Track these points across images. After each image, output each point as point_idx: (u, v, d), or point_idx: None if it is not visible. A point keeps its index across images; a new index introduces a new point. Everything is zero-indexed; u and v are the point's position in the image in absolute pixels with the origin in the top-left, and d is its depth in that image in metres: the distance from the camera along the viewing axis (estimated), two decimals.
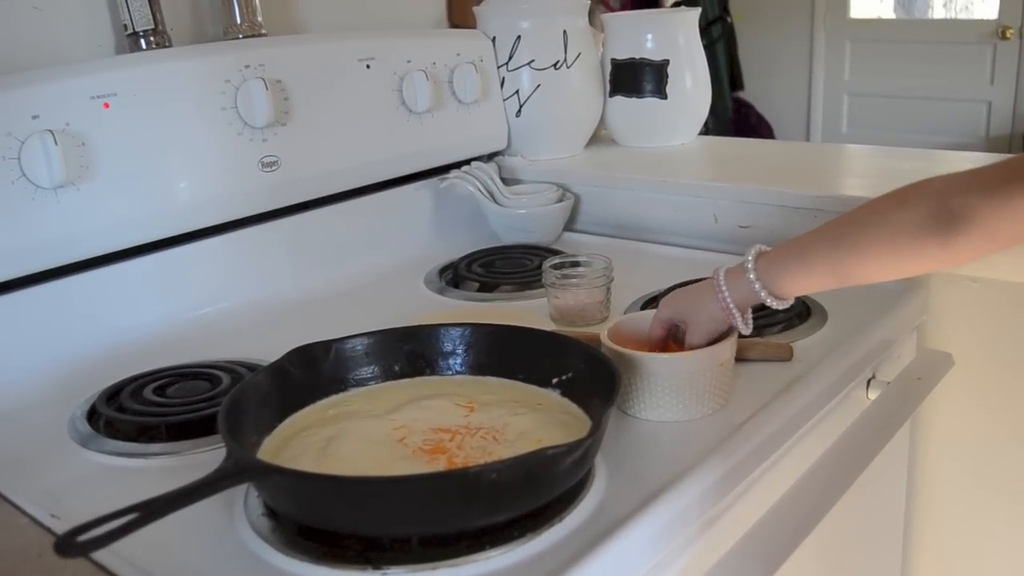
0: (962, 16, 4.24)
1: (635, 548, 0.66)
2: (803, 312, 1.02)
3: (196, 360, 0.97)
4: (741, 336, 0.87)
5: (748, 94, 4.33)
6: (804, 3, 4.42)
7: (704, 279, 0.87)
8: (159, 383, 0.91)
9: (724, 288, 0.84)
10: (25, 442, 0.85)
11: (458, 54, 1.38)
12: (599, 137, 1.61)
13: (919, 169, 1.31)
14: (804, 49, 4.49)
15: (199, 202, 1.09)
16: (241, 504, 0.70)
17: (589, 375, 0.77)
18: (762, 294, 0.82)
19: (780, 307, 0.84)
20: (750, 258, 0.84)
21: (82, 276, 1.00)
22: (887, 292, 1.07)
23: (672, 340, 0.89)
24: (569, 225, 1.42)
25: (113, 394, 0.90)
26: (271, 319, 1.11)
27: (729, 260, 1.20)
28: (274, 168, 1.15)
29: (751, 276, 0.82)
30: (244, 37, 1.20)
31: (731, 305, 0.84)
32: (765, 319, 0.98)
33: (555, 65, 1.46)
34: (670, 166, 1.42)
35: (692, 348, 0.85)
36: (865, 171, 1.43)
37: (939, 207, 0.73)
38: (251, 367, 0.93)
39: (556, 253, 1.23)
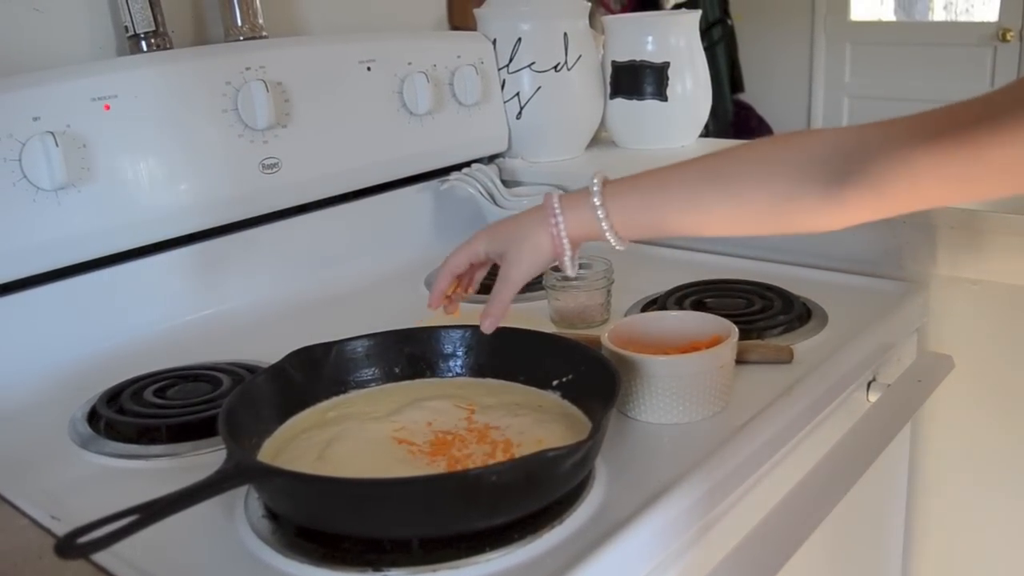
0: (962, 18, 4.24)
1: (635, 550, 0.66)
2: (803, 314, 1.02)
3: (197, 362, 0.97)
4: (565, 279, 0.76)
5: (748, 96, 4.33)
6: (804, 5, 4.42)
7: (531, 208, 0.76)
8: (160, 385, 0.91)
9: (559, 214, 0.73)
10: (25, 444, 0.85)
11: (459, 56, 1.39)
12: (599, 139, 1.61)
13: None
14: (804, 51, 4.49)
15: (200, 204, 1.09)
16: (241, 506, 0.70)
17: (589, 377, 0.77)
18: (604, 226, 0.72)
19: (618, 247, 0.74)
20: (595, 181, 0.73)
21: (83, 278, 1.00)
22: (887, 295, 1.08)
23: (468, 282, 0.79)
24: None
25: (114, 396, 0.90)
26: (271, 321, 1.11)
27: (730, 262, 1.22)
28: (275, 170, 1.15)
29: (596, 201, 0.72)
30: (245, 39, 1.20)
31: (563, 235, 0.73)
32: (765, 321, 0.98)
33: (556, 67, 1.46)
34: None
35: (506, 288, 0.75)
36: None
37: (832, 151, 0.65)
38: (252, 369, 0.93)
39: None
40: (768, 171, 0.66)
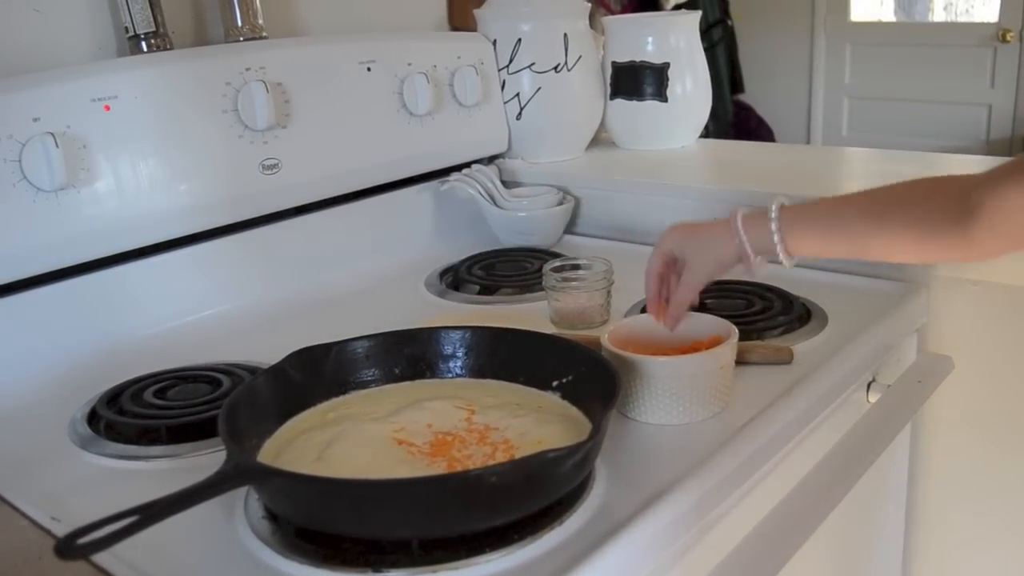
0: (962, 19, 4.24)
1: (635, 551, 0.66)
2: (803, 315, 1.02)
3: (197, 363, 0.97)
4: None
5: (749, 97, 4.33)
6: (804, 6, 4.42)
7: (712, 221, 0.86)
8: (160, 386, 0.91)
9: (742, 232, 0.83)
10: (25, 444, 0.85)
11: (459, 57, 1.39)
12: (600, 140, 1.61)
13: (919, 172, 1.30)
14: (804, 52, 4.49)
15: (200, 204, 1.09)
16: (241, 507, 0.70)
17: (589, 378, 0.77)
18: (779, 247, 0.82)
19: (786, 263, 0.83)
20: (774, 207, 0.83)
21: (83, 279, 1.00)
22: (887, 295, 1.08)
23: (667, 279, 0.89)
24: (570, 228, 1.42)
25: (114, 396, 0.90)
26: (271, 322, 1.10)
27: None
28: (275, 171, 1.15)
29: (773, 227, 0.82)
30: (245, 40, 1.20)
31: (749, 249, 0.83)
32: (765, 322, 0.98)
33: (556, 68, 1.46)
34: (670, 169, 1.43)
35: (688, 289, 0.84)
36: (865, 174, 1.43)
37: (960, 197, 0.73)
38: (252, 370, 0.93)
39: (556, 256, 1.23)
40: (916, 215, 0.76)
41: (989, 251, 0.74)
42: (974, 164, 1.36)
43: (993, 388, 1.13)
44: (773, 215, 0.82)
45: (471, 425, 0.75)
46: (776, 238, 0.82)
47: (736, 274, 1.12)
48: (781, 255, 0.83)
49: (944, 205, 0.74)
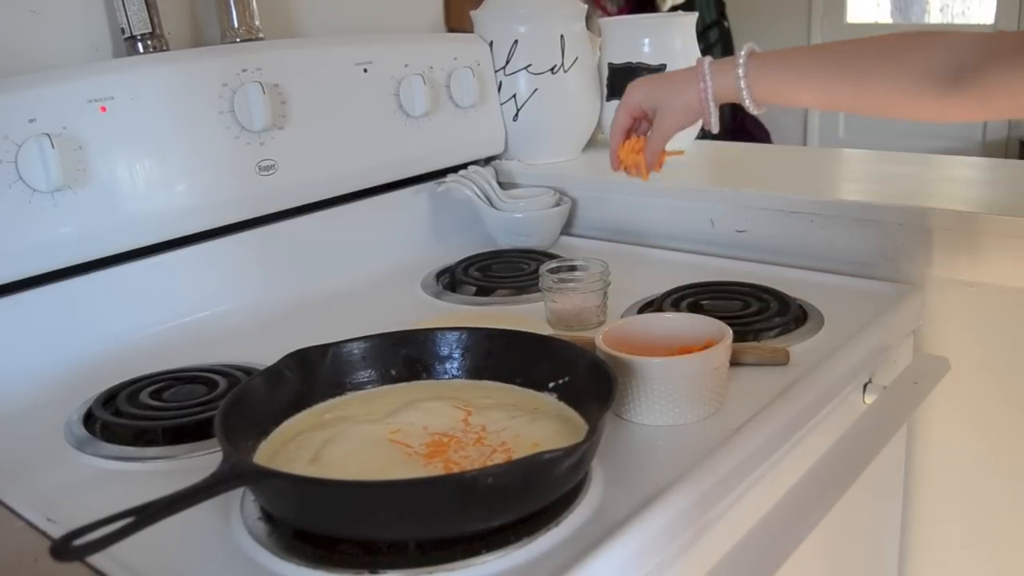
0: (958, 20, 4.25)
1: (631, 552, 0.66)
2: (800, 316, 1.02)
3: (193, 364, 0.97)
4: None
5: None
6: (801, 7, 4.43)
7: (682, 69, 0.87)
8: (156, 387, 0.91)
9: (708, 76, 0.83)
10: (21, 446, 0.85)
11: (455, 58, 1.39)
12: (596, 141, 1.61)
13: (915, 174, 1.32)
14: None
15: (196, 206, 1.09)
16: (237, 508, 0.70)
17: (586, 379, 0.77)
18: (744, 92, 0.81)
19: (754, 111, 0.83)
20: (743, 53, 0.83)
21: (80, 279, 1.00)
22: (883, 297, 1.08)
23: (635, 132, 0.89)
24: (566, 229, 1.42)
25: (109, 398, 0.90)
26: (268, 323, 1.10)
27: (726, 264, 1.22)
28: (271, 172, 1.15)
29: (740, 72, 0.81)
30: (241, 41, 1.20)
31: (710, 95, 0.82)
32: (761, 323, 0.99)
33: (552, 69, 1.46)
34: (667, 170, 1.42)
35: (658, 136, 0.84)
36: (862, 175, 1.44)
37: (951, 58, 0.73)
38: (248, 371, 0.93)
39: (553, 257, 1.23)
40: (894, 70, 0.76)
41: (967, 116, 0.75)
42: (973, 165, 1.36)
43: (989, 389, 1.13)
44: (740, 60, 0.81)
45: (467, 426, 0.75)
46: (742, 83, 0.81)
47: (732, 275, 1.13)
48: (747, 101, 0.81)
49: (929, 65, 0.74)
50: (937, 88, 0.73)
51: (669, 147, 0.97)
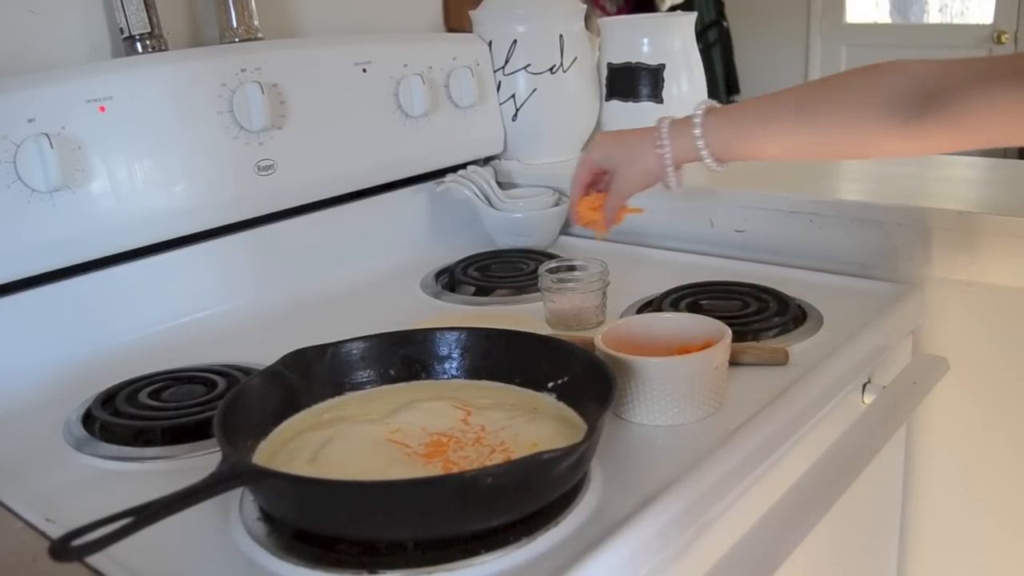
0: (957, 21, 4.25)
1: (630, 552, 0.66)
2: (799, 316, 1.02)
3: (192, 364, 0.97)
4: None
5: (744, 98, 4.34)
6: (800, 7, 4.43)
7: (643, 128, 0.84)
8: (155, 387, 0.91)
9: (666, 140, 0.80)
10: (20, 446, 0.84)
11: (454, 58, 1.39)
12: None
13: (914, 174, 1.32)
14: (800, 53, 4.50)
15: (195, 206, 1.09)
16: (236, 508, 0.70)
17: (585, 379, 0.77)
18: (703, 152, 0.79)
19: (717, 169, 0.80)
20: (699, 111, 0.79)
21: (78, 279, 1.00)
22: (883, 297, 1.08)
23: (595, 189, 0.88)
24: (565, 229, 1.42)
25: (108, 398, 0.90)
26: (267, 323, 1.10)
27: (726, 264, 1.22)
28: (270, 172, 1.15)
29: (696, 131, 0.78)
30: (240, 41, 1.20)
31: (668, 160, 0.80)
32: (760, 323, 0.99)
33: (551, 69, 1.46)
34: None
35: (616, 197, 0.83)
36: (861, 176, 1.43)
37: (915, 85, 0.70)
38: (247, 371, 0.93)
39: (552, 257, 1.23)
40: (853, 103, 0.72)
41: (936, 144, 0.71)
42: (972, 165, 1.36)
43: (988, 389, 1.13)
44: (697, 119, 0.79)
45: (466, 426, 0.75)
46: (700, 143, 0.78)
47: (731, 275, 1.13)
48: (707, 160, 0.79)
49: (894, 91, 0.71)
50: (902, 120, 0.70)
51: (629, 204, 0.96)
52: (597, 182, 0.89)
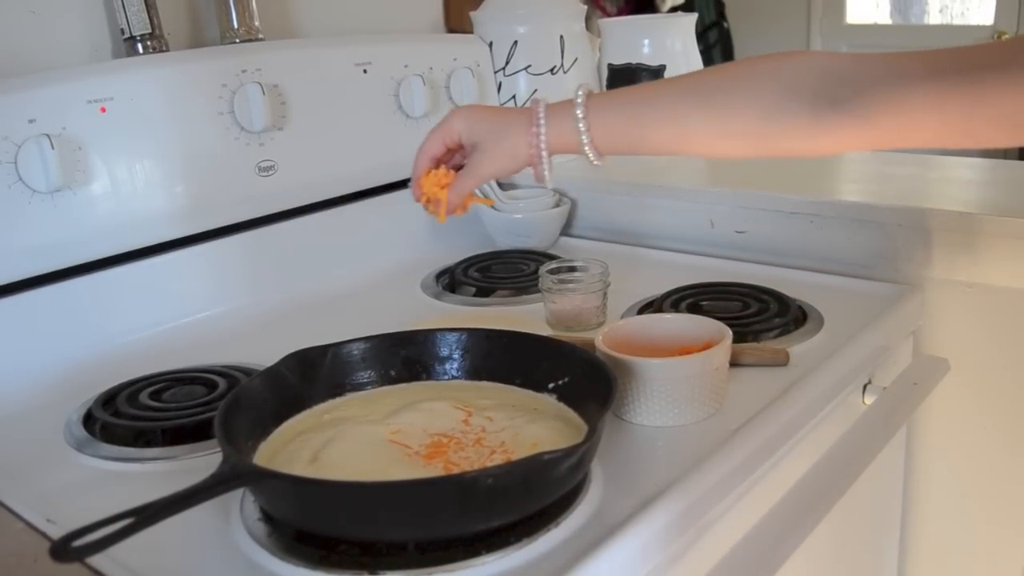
0: (958, 22, 4.25)
1: (631, 553, 0.66)
2: (799, 317, 1.02)
3: (192, 365, 0.97)
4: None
5: None
6: (800, 8, 4.43)
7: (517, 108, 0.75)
8: (155, 388, 0.91)
9: (542, 122, 0.72)
10: (21, 447, 0.84)
11: (455, 59, 1.39)
12: None
13: (915, 175, 1.32)
14: None
15: (196, 206, 1.09)
16: (237, 509, 0.70)
17: (586, 380, 0.77)
18: (583, 139, 0.71)
19: (595, 162, 0.73)
20: (580, 93, 0.72)
21: (79, 280, 1.00)
22: (883, 297, 1.08)
23: (445, 163, 0.78)
24: (566, 230, 1.42)
25: (109, 398, 0.90)
26: (267, 323, 1.10)
27: (726, 264, 1.22)
28: (271, 172, 1.15)
29: (579, 113, 0.70)
30: (241, 42, 1.20)
31: (543, 144, 0.72)
32: (761, 324, 0.98)
33: (552, 70, 1.46)
34: (667, 171, 1.43)
35: (470, 178, 0.74)
36: (861, 176, 1.43)
37: (826, 75, 0.64)
38: (247, 372, 0.93)
39: (553, 258, 1.23)
40: (756, 89, 0.65)
41: (846, 141, 0.65)
42: (972, 166, 1.36)
43: (989, 390, 1.13)
44: (579, 101, 0.71)
45: (467, 427, 0.75)
46: (581, 126, 0.70)
47: (732, 276, 1.13)
48: (587, 148, 0.71)
49: (803, 79, 0.64)
50: (810, 110, 0.63)
51: (478, 192, 0.85)
52: (448, 158, 0.81)
